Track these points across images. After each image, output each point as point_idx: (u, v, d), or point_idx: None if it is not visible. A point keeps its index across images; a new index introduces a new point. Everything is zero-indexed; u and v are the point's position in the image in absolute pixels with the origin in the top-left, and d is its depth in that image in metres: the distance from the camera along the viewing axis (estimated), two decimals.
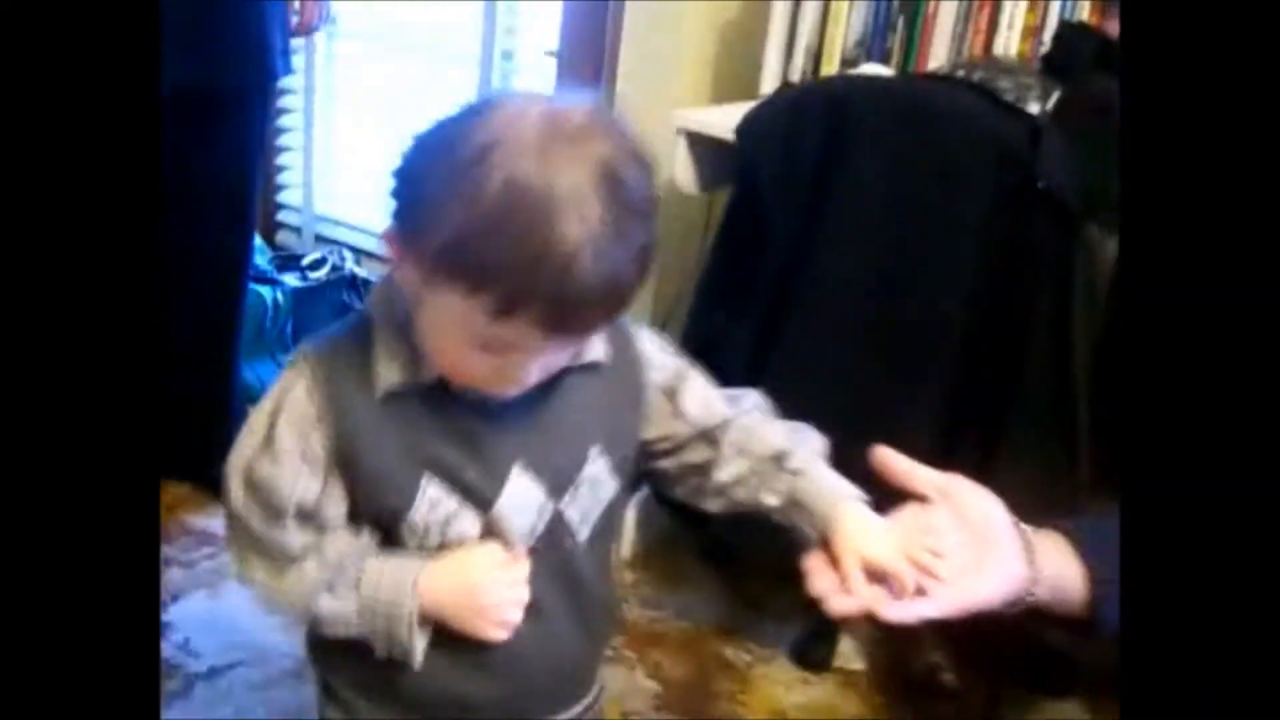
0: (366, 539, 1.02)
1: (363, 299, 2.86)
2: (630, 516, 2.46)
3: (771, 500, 1.06)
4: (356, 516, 1.01)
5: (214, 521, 2.41)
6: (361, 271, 3.07)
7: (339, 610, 1.00)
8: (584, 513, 1.05)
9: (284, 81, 2.92)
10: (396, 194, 0.90)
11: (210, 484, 2.45)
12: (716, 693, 2.14)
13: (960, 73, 2.13)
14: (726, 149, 2.05)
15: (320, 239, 3.34)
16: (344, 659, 1.08)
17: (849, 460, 1.15)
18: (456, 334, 0.89)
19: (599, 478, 1.04)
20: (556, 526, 1.04)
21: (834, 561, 1.02)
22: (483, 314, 0.84)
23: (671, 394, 1.07)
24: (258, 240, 3.12)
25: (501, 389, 0.94)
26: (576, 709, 1.17)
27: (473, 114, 0.87)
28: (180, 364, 2.51)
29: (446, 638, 1.02)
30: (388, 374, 0.96)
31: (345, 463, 0.98)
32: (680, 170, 2.21)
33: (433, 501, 0.99)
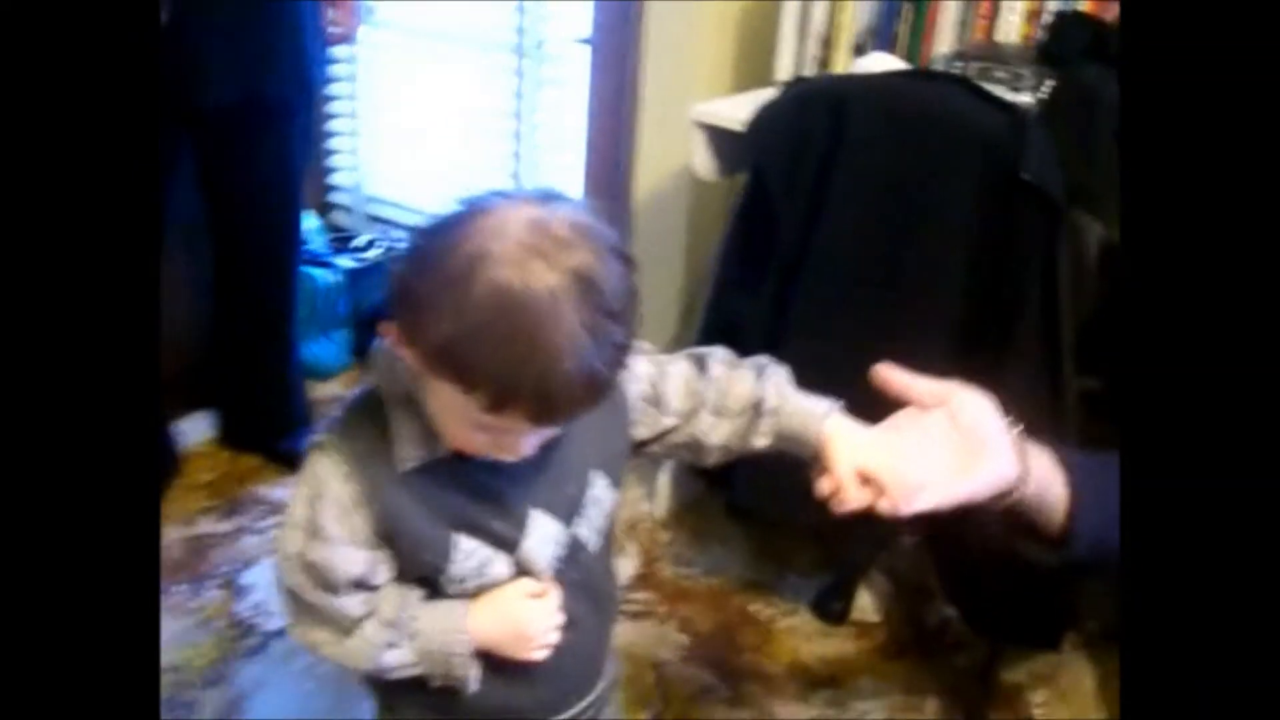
0: (414, 593, 1.12)
1: None
2: (664, 480, 2.63)
3: (761, 443, 1.18)
4: (403, 573, 1.11)
5: (283, 491, 2.62)
6: None
7: (401, 660, 1.12)
8: (592, 528, 1.17)
9: (333, 70, 3.09)
10: (394, 292, 0.96)
11: (277, 456, 2.67)
12: (741, 645, 2.31)
13: (959, 63, 2.27)
14: (741, 137, 2.18)
15: (371, 218, 3.49)
16: (404, 689, 1.19)
17: None
18: (458, 417, 0.98)
19: (600, 496, 1.17)
20: (573, 547, 1.16)
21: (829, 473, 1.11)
22: (476, 406, 0.93)
23: (654, 399, 1.18)
24: (314, 221, 3.31)
25: (506, 457, 1.04)
26: (601, 685, 1.30)
27: (463, 221, 0.94)
28: (243, 347, 2.71)
29: (493, 659, 1.15)
30: (406, 455, 1.05)
31: (385, 534, 1.07)
32: (698, 160, 2.35)
33: (466, 553, 1.09)
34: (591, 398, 0.95)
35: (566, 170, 3.06)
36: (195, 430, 2.80)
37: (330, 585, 1.07)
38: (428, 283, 0.92)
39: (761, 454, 1.20)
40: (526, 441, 1.03)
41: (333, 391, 3.06)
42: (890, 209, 1.98)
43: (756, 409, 1.17)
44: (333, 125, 3.47)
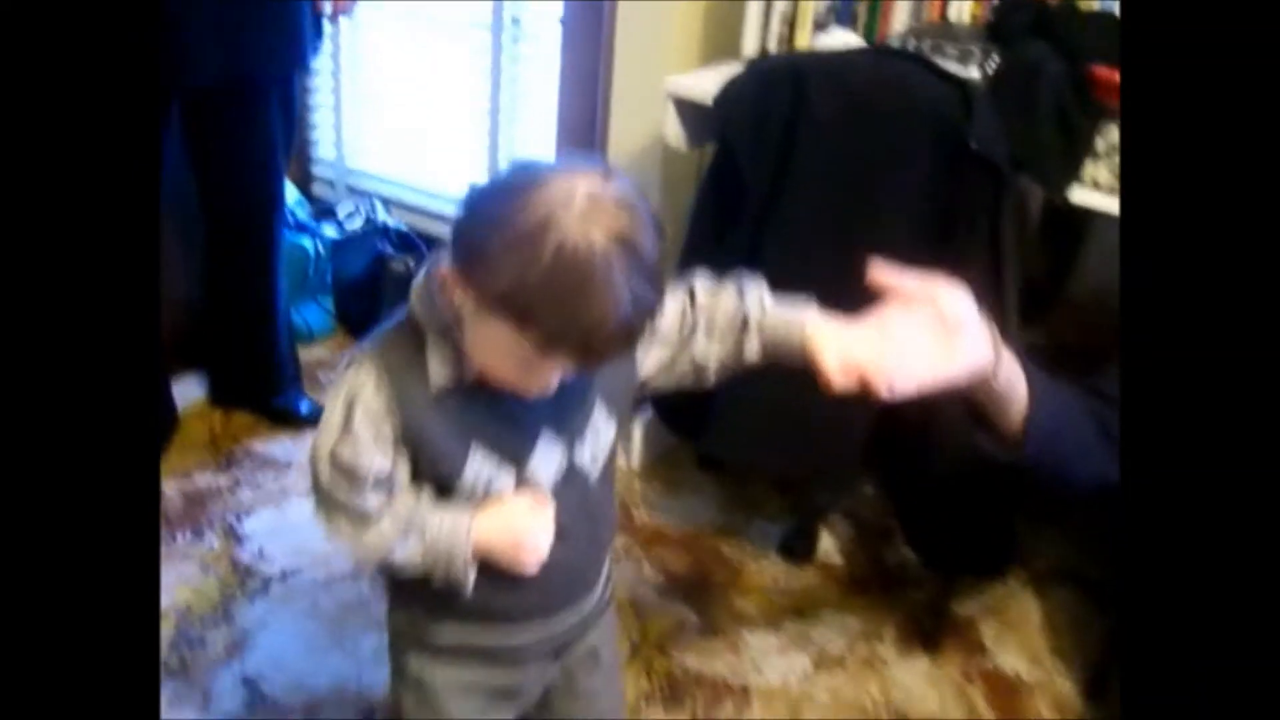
0: (426, 497, 1.25)
1: (394, 246, 3.18)
2: (637, 433, 2.78)
3: (753, 357, 1.34)
4: (418, 476, 1.25)
5: (276, 447, 2.77)
6: (392, 221, 3.35)
7: (410, 556, 1.24)
8: (593, 455, 1.33)
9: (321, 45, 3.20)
10: (461, 243, 1.12)
11: (269, 414, 2.81)
12: (713, 584, 2.47)
13: (913, 41, 2.41)
14: (710, 110, 2.33)
15: (352, 190, 3.62)
16: (411, 586, 1.32)
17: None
18: (501, 353, 1.14)
19: (600, 426, 1.32)
20: (572, 470, 1.31)
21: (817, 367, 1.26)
22: (527, 345, 1.09)
23: (653, 333, 1.30)
24: (296, 193, 3.44)
25: (531, 393, 1.20)
26: (591, 600, 1.45)
27: (529, 187, 1.07)
28: (234, 310, 2.83)
29: (490, 564, 1.29)
30: (439, 377, 1.19)
31: (409, 441, 1.22)
32: (670, 131, 2.50)
33: (478, 467, 1.24)
34: (626, 347, 1.13)
35: (542, 142, 3.20)
36: (187, 391, 2.93)
37: (355, 481, 1.21)
38: (497, 238, 1.07)
39: (753, 367, 1.35)
40: (553, 379, 1.18)
41: (319, 355, 3.20)
42: (848, 176, 2.12)
43: (744, 325, 1.32)
44: (313, 99, 3.58)
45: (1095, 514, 2.56)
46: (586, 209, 1.06)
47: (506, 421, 1.24)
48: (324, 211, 3.40)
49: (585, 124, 3.02)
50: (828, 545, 2.63)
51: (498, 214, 1.09)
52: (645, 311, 1.10)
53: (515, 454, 1.26)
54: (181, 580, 2.31)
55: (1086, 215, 2.41)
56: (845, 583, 2.54)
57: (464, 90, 3.34)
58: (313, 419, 2.77)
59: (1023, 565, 2.58)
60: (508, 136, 3.28)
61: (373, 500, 1.23)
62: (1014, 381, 1.34)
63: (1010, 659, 2.35)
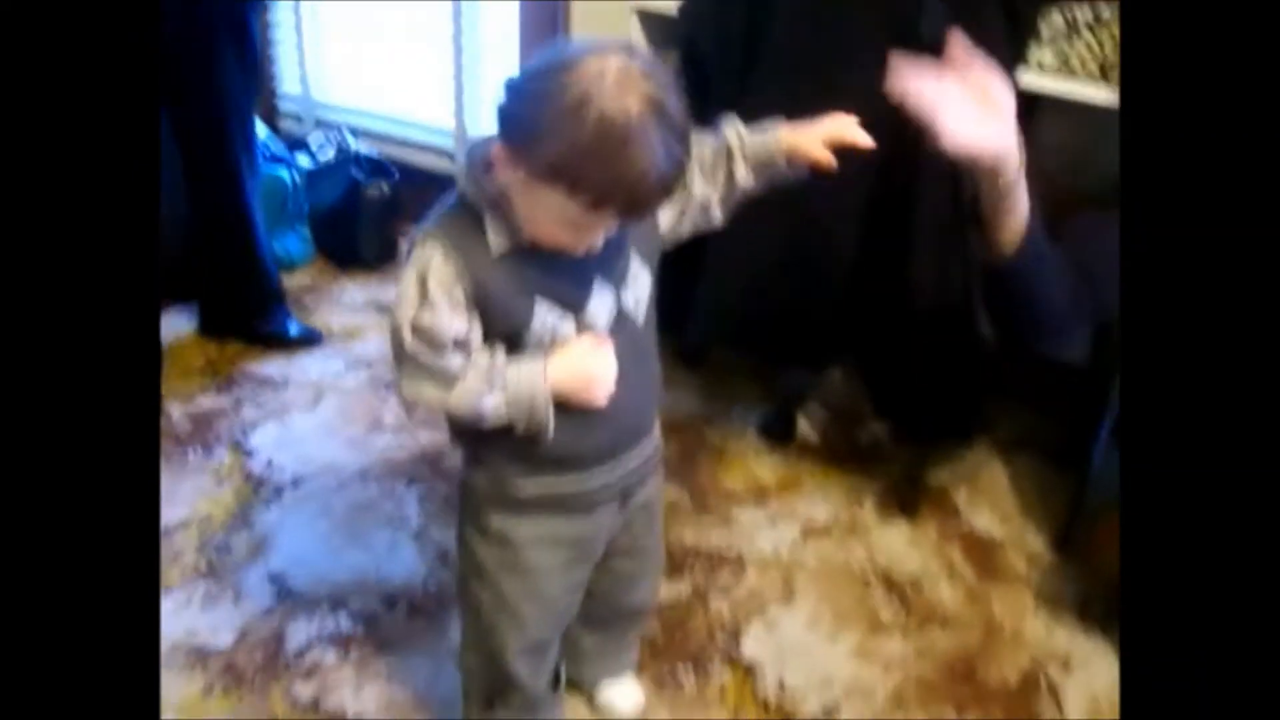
0: (501, 353, 1.37)
1: (367, 172, 3.27)
2: None
3: (746, 182, 1.50)
4: (490, 337, 1.37)
5: (271, 367, 2.88)
6: (364, 149, 3.45)
7: (495, 407, 1.37)
8: (635, 300, 1.46)
9: None
10: (508, 126, 1.25)
11: (261, 339, 2.91)
12: (701, 465, 2.62)
13: None
14: (671, 20, 2.45)
15: (320, 122, 3.70)
16: (493, 444, 1.46)
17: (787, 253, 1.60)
18: (553, 217, 1.28)
19: (637, 273, 1.46)
20: (621, 314, 1.45)
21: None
22: (577, 207, 1.23)
23: (683, 183, 1.47)
24: (264, 129, 3.52)
25: (579, 250, 1.34)
26: (650, 445, 1.61)
27: (563, 68, 1.20)
28: (216, 244, 2.92)
29: (566, 408, 1.42)
30: (497, 244, 1.33)
31: (480, 302, 1.34)
32: (636, 42, 2.61)
33: (543, 316, 1.37)
34: (664, 198, 1.28)
35: (505, 61, 3.30)
36: (179, 323, 3.03)
37: (437, 344, 1.33)
38: (543, 117, 1.21)
39: (752, 194, 1.53)
40: (599, 236, 1.33)
41: (301, 281, 3.31)
42: (808, 71, 2.24)
43: (729, 155, 1.49)
44: (275, 34, 3.66)
45: (1053, 387, 2.74)
46: (619, 80, 1.19)
47: (562, 275, 1.38)
48: (296, 144, 3.48)
49: (547, 41, 3.12)
50: (804, 427, 2.79)
51: (540, 96, 1.22)
52: (678, 165, 1.24)
53: (574, 302, 1.39)
54: (199, 492, 2.43)
55: (1034, 101, 2.56)
56: (824, 460, 2.69)
57: (425, 12, 3.42)
58: (303, 340, 2.89)
59: (989, 435, 2.76)
60: (471, 57, 3.37)
61: (455, 360, 1.35)
62: (1020, 185, 1.52)
63: (983, 520, 2.52)
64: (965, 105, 1.46)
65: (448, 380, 1.37)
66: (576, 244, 1.33)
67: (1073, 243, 1.95)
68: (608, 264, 1.42)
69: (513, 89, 1.27)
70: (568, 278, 1.39)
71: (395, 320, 1.36)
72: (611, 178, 1.21)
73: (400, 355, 1.37)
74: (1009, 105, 1.47)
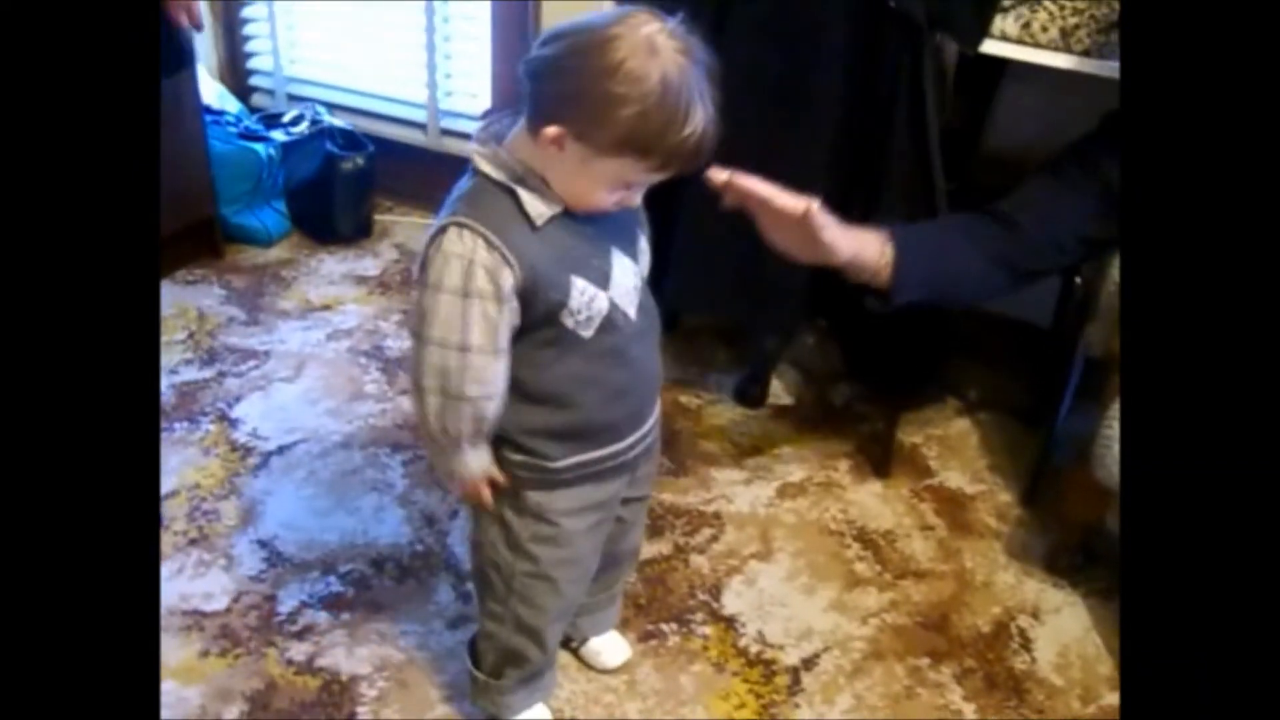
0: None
1: (341, 146, 3.30)
2: None
3: None
4: (534, 318, 1.43)
5: (253, 339, 2.92)
6: (338, 122, 3.47)
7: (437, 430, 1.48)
8: (644, 265, 1.54)
9: None
10: (560, 104, 1.31)
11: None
12: (678, 430, 2.68)
13: None
14: None
15: (292, 98, 3.72)
16: (532, 422, 1.52)
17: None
18: (609, 183, 1.35)
19: (641, 240, 1.54)
20: (640, 284, 1.52)
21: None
22: (644, 170, 1.32)
23: None
24: (237, 104, 3.54)
25: (617, 210, 1.42)
26: (652, 419, 1.67)
27: (603, 47, 1.26)
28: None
29: (598, 384, 1.51)
30: (538, 213, 1.38)
31: (529, 282, 1.38)
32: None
33: (580, 289, 1.42)
34: (714, 146, 1.34)
35: (477, 37, 3.34)
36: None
37: (493, 296, 1.38)
38: (604, 92, 1.27)
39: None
40: (639, 197, 1.41)
41: (279, 255, 3.34)
42: (779, 40, 2.29)
43: None
44: (248, 12, 3.68)
45: (1018, 347, 2.82)
46: (662, 44, 1.28)
47: (590, 244, 1.44)
48: (270, 120, 3.50)
49: (519, 13, 3.16)
50: (778, 389, 2.85)
51: (590, 73, 1.28)
52: (719, 108, 1.33)
53: (601, 271, 1.45)
54: (186, 463, 2.47)
55: (998, 68, 2.62)
56: (798, 421, 2.76)
57: None
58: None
59: (958, 395, 2.83)
60: (442, 34, 3.40)
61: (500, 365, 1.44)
62: (865, 253, 1.85)
63: (954, 476, 2.59)
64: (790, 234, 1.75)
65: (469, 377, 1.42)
66: (620, 204, 1.41)
67: (1021, 204, 2.03)
68: (624, 234, 1.49)
69: (551, 70, 1.32)
70: (594, 247, 1.45)
71: (431, 306, 1.40)
72: (680, 138, 1.28)
73: (426, 338, 1.42)
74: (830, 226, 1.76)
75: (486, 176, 1.40)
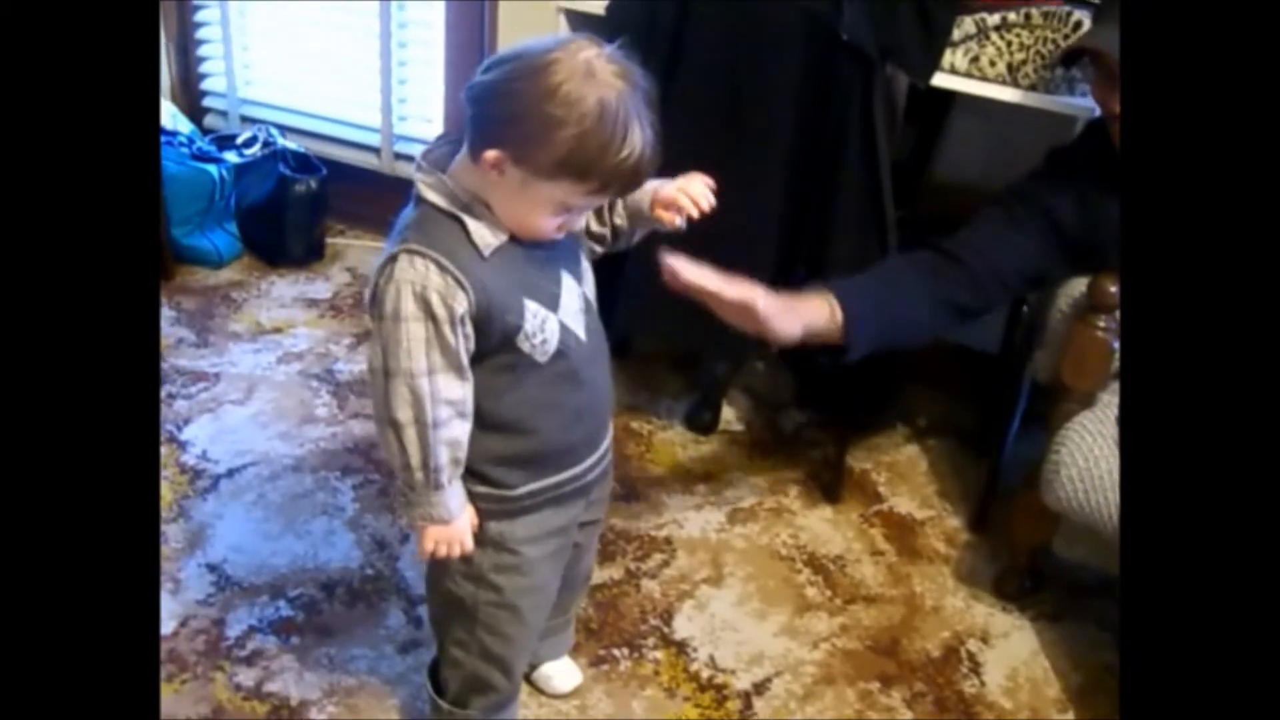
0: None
1: (293, 169, 3.29)
2: None
3: (624, 223, 1.59)
4: (488, 346, 1.43)
5: (202, 361, 2.91)
6: (291, 145, 3.46)
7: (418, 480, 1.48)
8: (589, 287, 1.56)
9: None
10: (499, 128, 1.32)
11: None
12: (629, 455, 2.68)
13: None
14: (598, 19, 2.51)
15: (245, 119, 3.70)
16: (491, 452, 1.52)
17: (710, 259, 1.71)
18: (550, 208, 1.37)
19: (584, 262, 1.56)
20: (585, 301, 1.54)
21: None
22: (580, 194, 1.34)
23: None
24: (190, 126, 3.53)
25: (558, 236, 1.43)
26: (606, 441, 1.68)
27: (542, 72, 1.29)
28: None
29: (556, 407, 1.53)
30: (486, 243, 1.39)
31: (484, 308, 1.39)
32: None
33: (533, 313, 1.44)
34: (653, 166, 1.36)
35: (431, 61, 3.34)
36: None
37: (448, 320, 1.38)
38: (542, 115, 1.29)
39: (628, 238, 1.63)
40: (579, 221, 1.43)
41: (229, 277, 3.33)
42: (733, 69, 2.31)
43: (610, 203, 1.57)
44: (202, 34, 3.67)
45: (966, 374, 2.85)
46: (601, 67, 1.30)
47: (538, 268, 1.46)
48: (223, 140, 3.49)
49: (474, 39, 3.18)
50: (729, 416, 2.86)
51: (529, 97, 1.30)
52: (657, 132, 1.34)
53: (551, 294, 1.47)
54: None
55: (947, 100, 2.66)
56: (748, 447, 2.77)
57: (352, 11, 3.43)
58: None
59: (907, 421, 2.86)
60: (397, 58, 3.41)
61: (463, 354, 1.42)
62: (817, 322, 1.91)
63: (903, 502, 2.61)
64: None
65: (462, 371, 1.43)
66: (561, 230, 1.42)
67: (968, 243, 2.07)
68: (569, 257, 1.51)
69: (491, 94, 1.34)
70: (541, 271, 1.46)
71: (392, 336, 1.39)
72: (617, 160, 1.30)
73: (392, 371, 1.41)
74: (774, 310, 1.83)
75: (433, 205, 1.42)
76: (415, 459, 1.45)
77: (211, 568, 2.25)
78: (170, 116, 3.50)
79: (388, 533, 2.36)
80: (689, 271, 1.70)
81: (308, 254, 3.44)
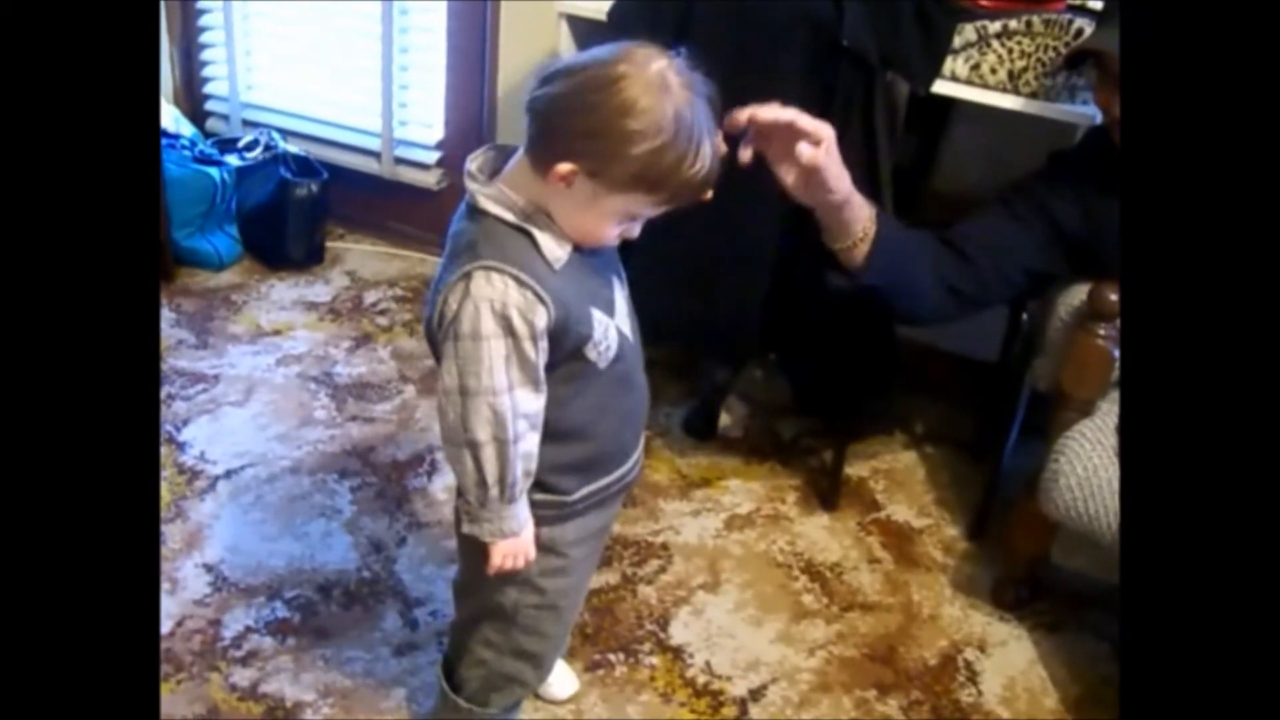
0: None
1: (295, 172, 3.29)
2: None
3: None
4: (560, 355, 1.41)
5: (201, 363, 2.91)
6: (292, 148, 3.47)
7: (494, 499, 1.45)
8: (629, 296, 1.55)
9: None
10: (572, 141, 1.30)
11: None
12: None
13: None
14: (600, 24, 2.52)
15: (247, 123, 3.71)
16: (555, 458, 1.49)
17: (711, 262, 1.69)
18: (617, 218, 1.37)
19: (620, 269, 1.54)
20: (630, 309, 1.53)
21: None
22: (651, 204, 1.34)
23: None
24: (192, 129, 3.53)
25: (615, 243, 1.44)
26: (641, 444, 1.68)
27: (616, 80, 1.27)
28: None
29: (611, 410, 1.53)
30: (556, 255, 1.37)
31: (561, 321, 1.37)
32: (564, 46, 2.68)
33: (599, 321, 1.43)
34: (718, 175, 1.37)
35: (434, 67, 3.35)
36: None
37: (528, 336, 1.36)
38: (620, 128, 1.27)
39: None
40: (639, 228, 1.42)
41: (229, 279, 3.33)
42: (734, 75, 2.30)
43: None
44: (206, 38, 3.67)
45: (965, 382, 2.85)
46: (672, 81, 1.30)
47: (595, 275, 1.46)
48: (225, 143, 3.50)
49: (475, 44, 3.18)
50: (727, 422, 2.86)
51: (604, 110, 1.28)
52: (717, 141, 1.36)
53: (608, 300, 1.47)
54: None
55: (948, 108, 2.66)
56: (746, 454, 2.77)
57: (354, 15, 3.44)
58: None
59: (906, 429, 2.86)
60: (399, 63, 3.41)
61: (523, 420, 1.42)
62: (849, 202, 1.89)
63: (901, 510, 2.61)
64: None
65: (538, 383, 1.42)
66: (622, 236, 1.42)
67: (970, 234, 2.08)
68: (614, 260, 1.52)
69: (562, 108, 1.31)
70: (599, 280, 1.47)
71: (472, 355, 1.37)
72: (690, 173, 1.31)
73: (471, 390, 1.38)
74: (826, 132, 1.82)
75: (497, 218, 1.38)
76: (492, 476, 1.42)
77: (208, 568, 2.24)
78: (172, 119, 3.51)
79: (384, 535, 2.36)
80: (764, 113, 1.74)
81: (308, 257, 3.44)
